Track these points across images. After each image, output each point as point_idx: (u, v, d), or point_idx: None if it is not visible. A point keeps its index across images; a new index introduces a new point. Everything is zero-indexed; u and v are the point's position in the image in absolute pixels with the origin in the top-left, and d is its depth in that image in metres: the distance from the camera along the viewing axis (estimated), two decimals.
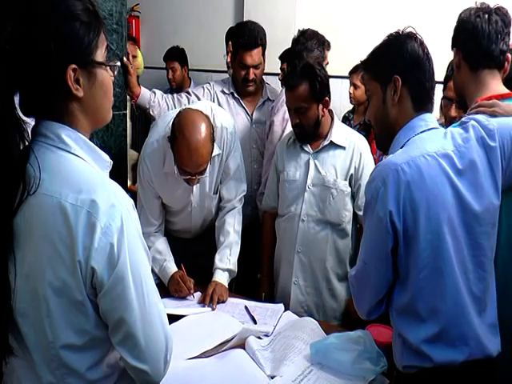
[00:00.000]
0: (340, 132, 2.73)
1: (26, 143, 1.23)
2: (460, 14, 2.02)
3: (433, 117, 1.74)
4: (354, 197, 2.71)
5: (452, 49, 2.06)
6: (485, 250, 1.62)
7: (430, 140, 1.64)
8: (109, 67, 1.32)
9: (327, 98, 2.66)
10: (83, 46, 1.24)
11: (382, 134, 1.82)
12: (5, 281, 1.20)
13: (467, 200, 1.59)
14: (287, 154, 2.81)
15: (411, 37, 1.73)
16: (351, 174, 2.67)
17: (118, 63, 1.36)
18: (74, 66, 1.21)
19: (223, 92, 3.38)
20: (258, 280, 2.94)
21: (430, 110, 1.74)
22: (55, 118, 1.25)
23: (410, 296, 1.61)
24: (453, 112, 2.64)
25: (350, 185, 2.69)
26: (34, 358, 1.26)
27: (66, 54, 1.21)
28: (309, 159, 2.73)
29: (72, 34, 1.21)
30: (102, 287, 1.21)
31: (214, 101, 3.32)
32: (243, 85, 3.32)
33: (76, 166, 1.24)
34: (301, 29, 3.50)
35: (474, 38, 1.95)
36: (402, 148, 1.66)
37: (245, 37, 3.22)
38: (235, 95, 3.37)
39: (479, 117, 1.73)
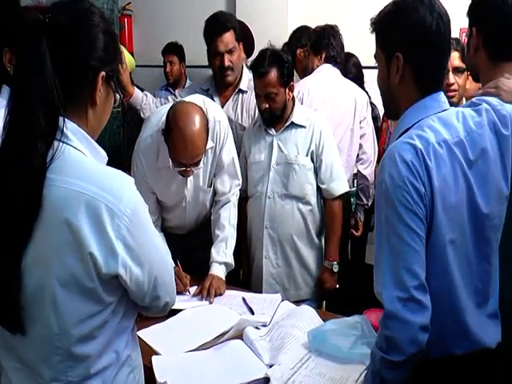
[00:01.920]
0: (300, 113, 2.91)
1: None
2: None
3: (444, 97, 1.57)
4: (316, 172, 2.89)
5: (469, 26, 1.77)
6: (491, 243, 1.53)
7: (444, 124, 1.49)
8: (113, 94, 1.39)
9: (292, 83, 2.85)
10: (114, 60, 1.34)
11: (388, 104, 1.67)
12: (16, 273, 1.20)
13: (477, 193, 1.48)
14: (252, 139, 2.99)
15: (421, 2, 1.49)
16: (312, 151, 2.86)
17: (118, 97, 1.43)
18: (103, 73, 1.29)
19: (202, 89, 3.29)
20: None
21: (440, 88, 1.55)
22: (68, 117, 1.26)
23: None
24: (450, 79, 2.67)
25: (312, 160, 2.87)
26: (33, 352, 1.26)
27: (102, 60, 1.29)
28: (272, 140, 2.89)
29: (109, 46, 1.31)
30: (127, 272, 1.25)
31: None
32: (221, 75, 3.16)
33: (78, 159, 1.25)
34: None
35: (499, 23, 1.69)
36: (411, 128, 1.50)
37: (212, 24, 3.11)
38: (210, 92, 3.26)
39: (492, 100, 1.59)
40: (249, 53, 4.20)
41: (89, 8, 1.29)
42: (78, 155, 1.25)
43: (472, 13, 1.76)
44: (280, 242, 2.91)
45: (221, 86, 3.25)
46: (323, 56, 3.56)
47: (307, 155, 2.85)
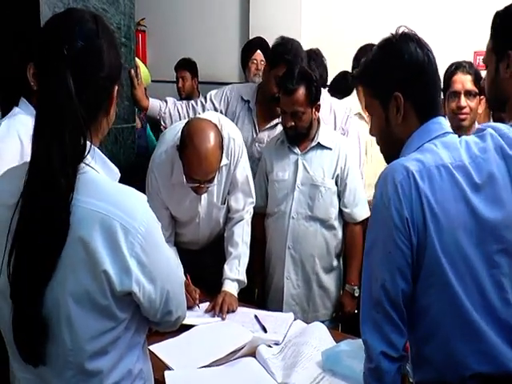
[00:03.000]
0: (326, 134, 2.89)
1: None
2: None
3: (446, 120, 1.59)
4: (339, 195, 2.88)
5: (501, 49, 1.69)
6: (502, 269, 1.46)
7: (446, 147, 1.50)
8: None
9: (319, 103, 2.81)
10: (121, 70, 1.36)
11: (388, 149, 1.67)
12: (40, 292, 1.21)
13: (484, 217, 1.45)
14: (275, 155, 2.94)
15: (407, 39, 1.55)
16: (337, 174, 2.85)
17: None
18: (116, 87, 1.31)
19: (242, 98, 3.26)
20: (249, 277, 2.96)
21: (440, 112, 1.59)
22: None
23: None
24: (462, 102, 2.68)
25: (336, 184, 2.86)
26: (47, 366, 1.26)
27: (114, 76, 1.31)
28: (297, 160, 2.87)
29: (117, 60, 1.32)
30: (141, 289, 1.26)
31: (227, 105, 3.25)
32: (271, 103, 3.10)
33: (94, 177, 1.26)
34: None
35: None
36: (414, 152, 1.52)
37: (290, 53, 3.00)
38: (250, 105, 3.24)
39: (498, 125, 1.57)
40: None
41: (97, 27, 1.27)
42: (92, 174, 1.25)
43: (506, 36, 1.69)
44: (302, 263, 2.88)
45: (264, 109, 3.22)
46: None
47: (332, 178, 2.84)
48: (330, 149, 2.85)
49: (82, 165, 1.23)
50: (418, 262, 1.45)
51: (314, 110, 2.79)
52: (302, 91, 2.71)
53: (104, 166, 1.31)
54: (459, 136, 1.57)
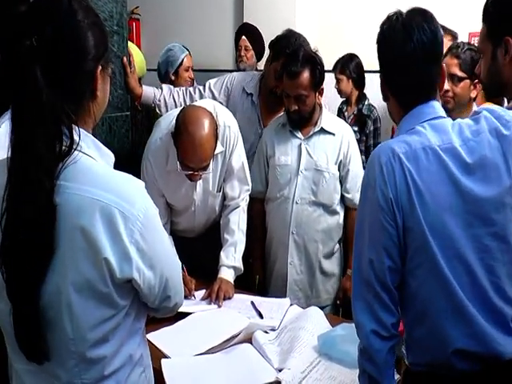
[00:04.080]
0: (329, 119, 2.89)
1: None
2: None
3: (439, 104, 1.58)
4: (341, 180, 2.87)
5: (499, 33, 1.64)
6: (492, 253, 1.46)
7: (435, 130, 1.50)
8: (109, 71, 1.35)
9: (323, 87, 2.79)
10: (106, 49, 1.29)
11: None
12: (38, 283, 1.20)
13: (475, 196, 1.45)
14: (276, 139, 2.91)
15: (402, 29, 1.53)
16: (340, 160, 2.83)
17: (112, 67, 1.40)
18: (99, 67, 1.27)
19: (244, 90, 3.23)
20: (249, 264, 2.96)
21: (433, 97, 1.57)
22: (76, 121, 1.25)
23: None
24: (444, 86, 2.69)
25: (339, 169, 2.84)
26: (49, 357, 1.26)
27: (95, 57, 1.25)
28: (300, 144, 2.85)
29: (98, 39, 1.25)
30: (141, 276, 1.26)
31: (228, 97, 3.23)
32: (271, 97, 3.13)
33: (90, 165, 1.24)
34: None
35: None
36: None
37: (293, 48, 2.93)
38: (253, 99, 3.21)
39: (493, 107, 1.57)
40: (260, 56, 4.23)
41: (69, 7, 1.20)
42: (89, 161, 1.24)
43: (501, 22, 1.63)
44: (305, 248, 2.87)
45: (267, 102, 3.20)
46: None
47: (335, 164, 2.83)
48: (333, 134, 2.83)
49: (76, 152, 1.21)
50: (405, 242, 1.47)
51: (317, 93, 2.76)
52: (306, 74, 2.69)
53: (99, 151, 1.29)
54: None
